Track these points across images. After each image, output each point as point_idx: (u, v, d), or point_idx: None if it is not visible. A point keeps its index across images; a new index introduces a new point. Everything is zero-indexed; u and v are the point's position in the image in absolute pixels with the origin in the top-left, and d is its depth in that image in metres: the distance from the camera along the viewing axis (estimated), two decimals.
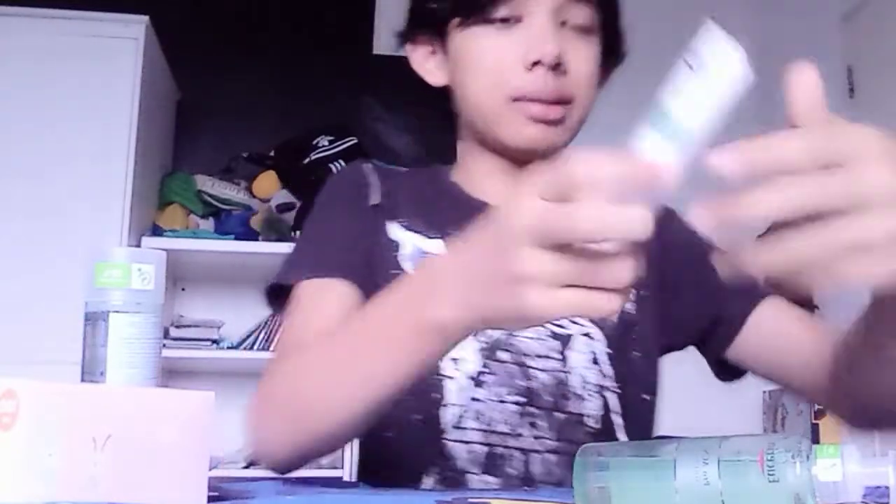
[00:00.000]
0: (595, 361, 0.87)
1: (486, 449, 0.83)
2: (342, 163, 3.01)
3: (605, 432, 0.87)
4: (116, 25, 2.87)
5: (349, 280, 0.84)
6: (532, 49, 0.83)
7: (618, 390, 0.88)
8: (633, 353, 0.90)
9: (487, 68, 0.86)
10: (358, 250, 0.87)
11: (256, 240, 2.98)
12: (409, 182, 0.97)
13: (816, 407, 2.77)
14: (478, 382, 0.84)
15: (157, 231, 2.99)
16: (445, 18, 0.88)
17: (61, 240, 2.69)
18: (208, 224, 3.10)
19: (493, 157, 0.91)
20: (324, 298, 0.83)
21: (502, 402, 0.84)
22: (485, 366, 0.85)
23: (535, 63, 0.83)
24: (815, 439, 2.73)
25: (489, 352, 0.85)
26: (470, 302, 0.54)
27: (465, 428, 0.83)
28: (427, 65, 0.92)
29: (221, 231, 3.05)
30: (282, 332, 0.86)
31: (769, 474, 0.45)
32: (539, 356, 0.86)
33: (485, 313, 0.53)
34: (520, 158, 0.88)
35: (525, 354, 0.86)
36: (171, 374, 3.16)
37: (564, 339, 0.87)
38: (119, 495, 0.42)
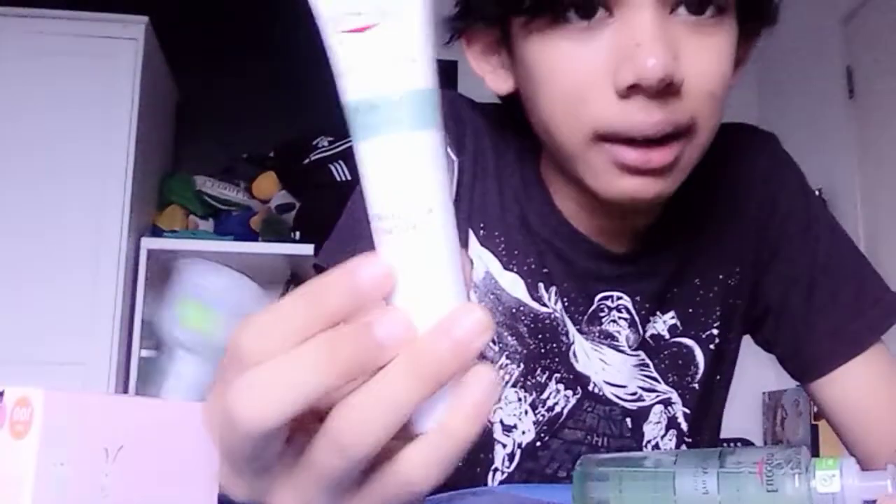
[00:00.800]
0: (672, 427, 0.74)
1: None
2: (342, 164, 3.01)
3: None
4: (116, 26, 2.87)
5: None
6: (627, 65, 0.56)
7: (688, 439, 0.76)
8: (713, 407, 0.78)
9: (564, 90, 0.59)
10: None
11: (256, 240, 2.98)
12: (496, 163, 0.71)
13: (816, 408, 2.77)
14: (532, 456, 0.72)
15: (156, 232, 2.99)
16: (506, 13, 0.61)
17: (61, 240, 2.70)
18: (208, 225, 3.11)
19: (581, 192, 0.67)
20: None
21: (556, 476, 0.72)
22: (541, 441, 0.72)
23: (633, 87, 0.56)
24: (815, 441, 2.73)
25: (547, 427, 0.72)
26: None
27: None
28: (486, 64, 0.67)
29: (221, 232, 3.05)
30: None
31: (768, 485, 0.45)
32: (610, 435, 0.72)
33: None
34: (613, 205, 0.64)
35: (594, 432, 0.72)
36: None
37: (641, 413, 0.73)
38: None
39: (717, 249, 0.73)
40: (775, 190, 0.74)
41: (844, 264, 0.75)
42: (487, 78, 0.68)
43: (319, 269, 0.71)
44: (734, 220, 0.74)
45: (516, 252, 0.69)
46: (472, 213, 0.69)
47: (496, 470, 0.71)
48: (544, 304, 0.69)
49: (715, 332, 0.74)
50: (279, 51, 3.35)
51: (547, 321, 0.68)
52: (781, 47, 3.33)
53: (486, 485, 0.71)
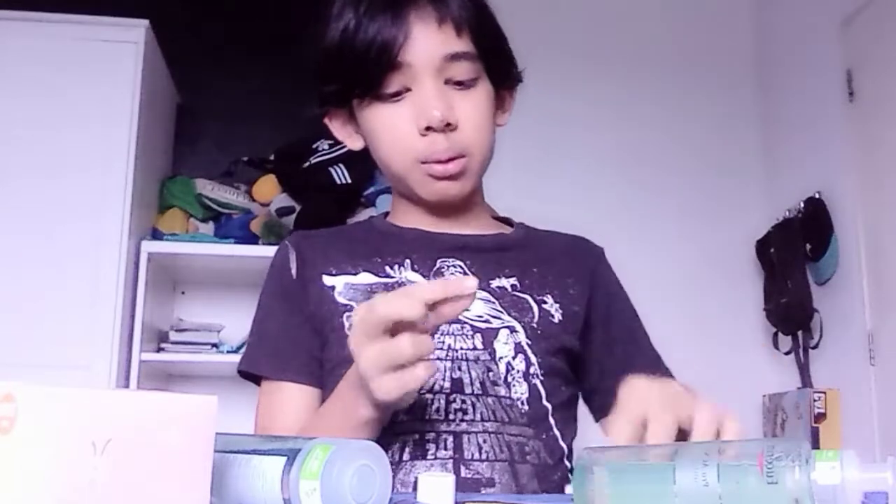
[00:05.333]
0: (519, 351, 0.96)
1: (416, 436, 0.92)
2: (342, 166, 3.01)
3: (537, 415, 0.95)
4: (116, 30, 2.87)
5: (298, 380, 0.98)
6: (421, 116, 0.92)
7: (542, 377, 0.96)
8: (557, 354, 0.99)
9: (390, 138, 0.96)
10: (302, 340, 0.99)
11: (256, 243, 2.98)
12: (344, 235, 1.13)
13: (817, 411, 2.77)
14: None
15: (156, 235, 2.99)
16: (348, 99, 0.98)
17: (62, 244, 2.70)
18: (208, 228, 3.10)
19: (416, 202, 1.03)
20: (279, 402, 0.99)
21: (432, 392, 0.93)
22: None
23: (428, 128, 0.92)
24: (816, 443, 2.72)
25: None
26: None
27: (397, 422, 0.91)
28: (344, 132, 1.03)
29: (221, 235, 3.05)
30: (256, 419, 1.01)
31: (768, 477, 0.45)
32: (467, 349, 0.95)
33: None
34: (437, 206, 1.01)
35: (453, 349, 0.95)
36: (170, 379, 3.16)
37: (489, 333, 0.96)
38: (119, 500, 0.42)
39: (560, 265, 1.05)
40: (598, 255, 1.12)
41: (640, 325, 1.10)
42: (346, 141, 1.03)
43: (245, 375, 1.02)
44: (575, 258, 1.09)
45: (363, 261, 1.01)
46: (317, 268, 1.01)
47: None
48: (390, 277, 1.00)
49: (549, 300, 1.01)
50: (279, 54, 3.35)
51: (395, 284, 0.98)
52: (781, 49, 3.33)
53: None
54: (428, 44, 0.92)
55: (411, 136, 0.94)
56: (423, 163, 0.95)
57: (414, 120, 0.93)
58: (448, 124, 0.92)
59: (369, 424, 0.83)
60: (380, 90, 0.94)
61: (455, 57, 0.93)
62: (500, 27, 1.01)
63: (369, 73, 0.93)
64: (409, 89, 0.94)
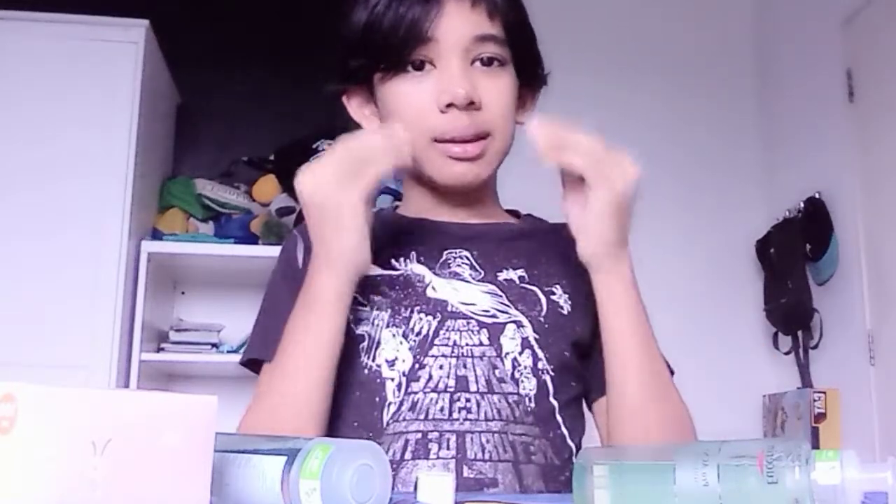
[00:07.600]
0: (526, 346, 0.95)
1: (419, 435, 0.91)
2: None
3: (543, 412, 0.94)
4: (117, 30, 2.87)
5: None
6: (444, 92, 0.91)
7: (552, 373, 0.95)
8: (566, 348, 0.97)
9: (409, 113, 0.94)
10: None
11: (256, 244, 2.98)
12: None
13: (817, 411, 2.77)
14: (414, 378, 0.93)
15: (156, 235, 2.99)
16: (369, 73, 0.97)
17: (62, 244, 2.70)
18: (208, 228, 3.10)
19: (428, 189, 1.02)
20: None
21: (436, 391, 0.92)
22: (418, 362, 0.93)
23: (449, 105, 0.91)
24: (816, 443, 2.72)
25: (419, 349, 0.94)
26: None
27: (400, 420, 0.91)
28: (362, 112, 1.03)
29: (221, 235, 3.05)
30: (252, 400, 0.97)
31: (768, 477, 0.45)
32: (473, 345, 0.94)
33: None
34: (450, 191, 1.00)
35: (458, 345, 0.94)
36: (170, 378, 3.16)
37: (496, 328, 0.95)
38: (119, 500, 0.42)
39: (568, 254, 0.97)
40: None
41: None
42: (364, 122, 1.02)
43: (251, 363, 0.99)
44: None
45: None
46: None
47: (390, 404, 0.92)
48: (395, 269, 0.99)
49: (557, 290, 1.00)
50: (279, 54, 3.35)
51: (401, 277, 0.98)
52: (781, 49, 3.33)
53: (381, 421, 0.92)
54: (459, 22, 0.92)
55: (430, 112, 0.93)
56: (440, 141, 0.94)
57: (435, 97, 0.92)
58: (471, 103, 0.92)
59: (331, 293, 0.87)
60: (405, 64, 0.93)
61: (484, 39, 0.93)
62: (530, 24, 1.01)
63: (397, 46, 0.92)
64: (433, 67, 0.93)
